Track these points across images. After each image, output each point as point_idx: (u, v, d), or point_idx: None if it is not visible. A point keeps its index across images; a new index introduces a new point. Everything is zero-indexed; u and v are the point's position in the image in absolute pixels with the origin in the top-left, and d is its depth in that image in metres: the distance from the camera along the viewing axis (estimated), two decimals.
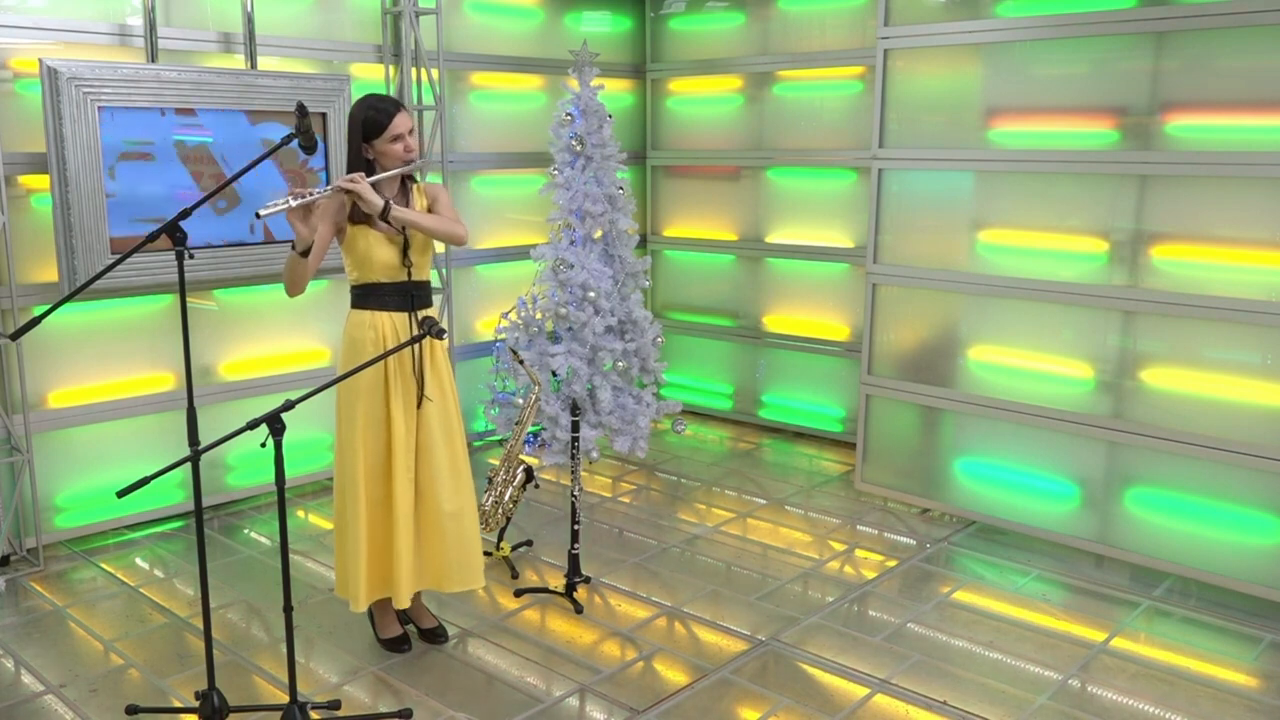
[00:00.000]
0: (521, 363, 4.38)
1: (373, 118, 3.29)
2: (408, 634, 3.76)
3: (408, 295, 3.42)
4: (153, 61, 4.53)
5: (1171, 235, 4.34)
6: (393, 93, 5.53)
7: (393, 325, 3.41)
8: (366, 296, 3.41)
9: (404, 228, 3.36)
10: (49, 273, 4.42)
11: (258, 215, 3.02)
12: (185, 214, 2.96)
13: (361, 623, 3.88)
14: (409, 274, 3.39)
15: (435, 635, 3.79)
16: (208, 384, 4.99)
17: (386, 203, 3.23)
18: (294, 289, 3.34)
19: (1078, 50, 4.49)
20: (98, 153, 4.29)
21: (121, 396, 4.71)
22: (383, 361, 3.36)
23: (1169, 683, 3.59)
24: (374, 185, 3.29)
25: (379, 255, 3.35)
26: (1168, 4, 4.21)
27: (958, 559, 4.65)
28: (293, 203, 3.06)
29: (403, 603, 3.52)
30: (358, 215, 3.34)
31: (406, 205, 3.43)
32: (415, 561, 3.55)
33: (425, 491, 3.51)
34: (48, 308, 2.94)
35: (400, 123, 3.31)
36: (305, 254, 3.22)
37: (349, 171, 3.32)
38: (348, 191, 3.20)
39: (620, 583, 4.34)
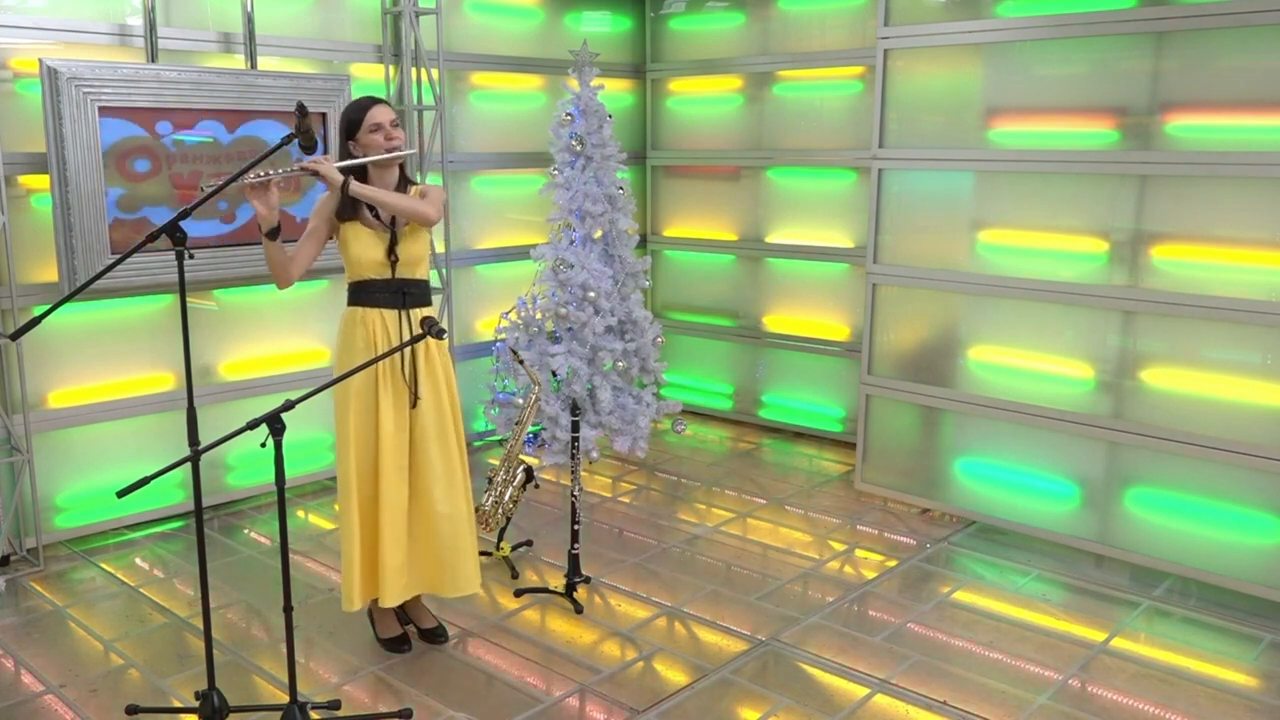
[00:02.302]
0: (521, 363, 4.38)
1: (351, 115, 3.37)
2: (408, 634, 3.76)
3: (399, 293, 3.42)
4: (153, 61, 4.53)
5: (1171, 235, 4.34)
6: (392, 92, 5.53)
7: (383, 323, 3.42)
8: (358, 293, 3.44)
9: (392, 223, 3.39)
10: (49, 273, 4.42)
11: (201, 189, 3.04)
12: (185, 214, 2.96)
13: (361, 623, 3.88)
14: (393, 270, 3.40)
15: (435, 635, 3.79)
16: (208, 384, 4.99)
17: (345, 180, 3.23)
18: (278, 278, 3.37)
19: (1078, 50, 4.49)
20: (98, 153, 4.29)
21: (121, 396, 4.71)
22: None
23: (1169, 683, 3.59)
24: (364, 177, 3.35)
25: (367, 251, 3.37)
26: (1168, 4, 4.21)
27: (958, 559, 4.65)
28: (248, 178, 3.07)
29: (387, 602, 3.53)
30: (345, 212, 3.37)
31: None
32: (407, 563, 3.55)
33: (418, 492, 3.52)
34: (48, 308, 2.93)
35: (376, 113, 3.35)
36: (272, 236, 3.23)
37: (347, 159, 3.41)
38: (312, 173, 3.22)
39: (620, 583, 4.34)
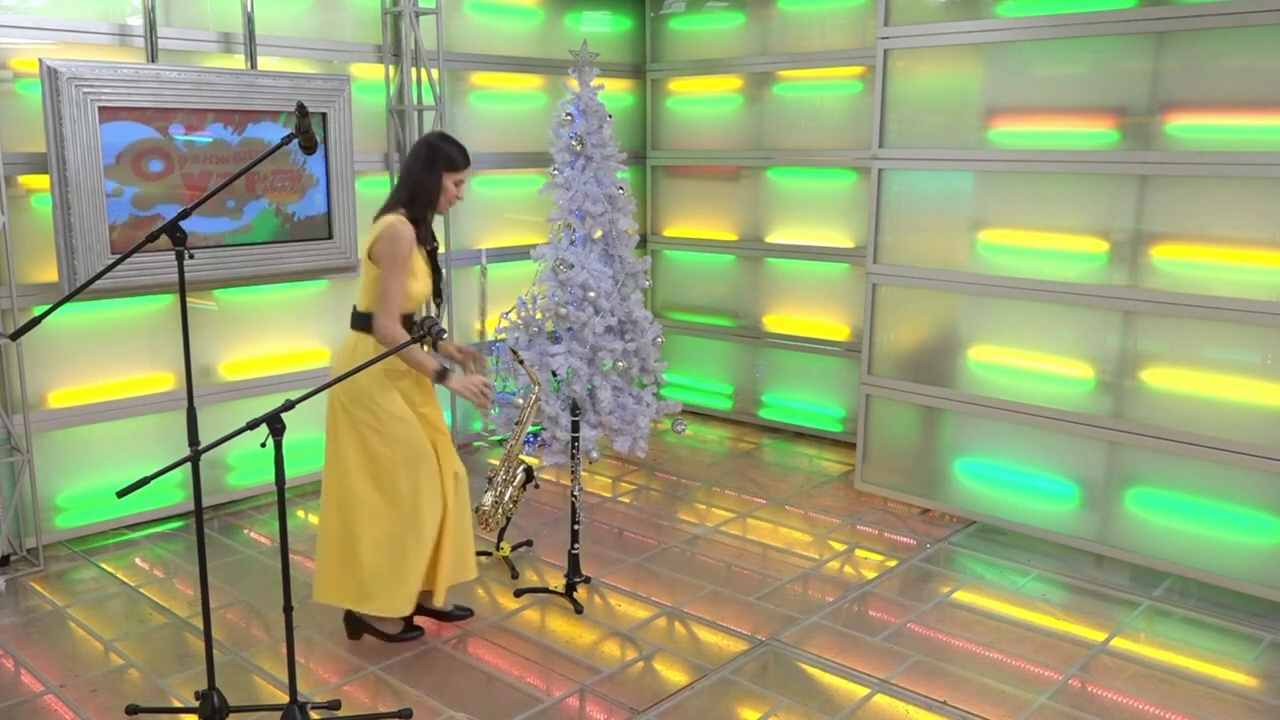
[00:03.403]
0: (521, 363, 4.37)
1: (458, 156, 3.49)
2: (413, 620, 3.83)
3: (415, 324, 3.57)
4: (153, 61, 4.53)
5: (1171, 235, 4.34)
6: (392, 93, 5.53)
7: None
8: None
9: (433, 256, 3.55)
10: (49, 273, 4.42)
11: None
12: (185, 214, 2.96)
13: None
14: (436, 303, 3.66)
15: (460, 613, 3.92)
16: (208, 384, 4.99)
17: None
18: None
19: (1078, 50, 4.49)
20: (98, 153, 4.29)
21: (121, 396, 4.71)
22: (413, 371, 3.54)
23: (1169, 683, 3.59)
24: (425, 219, 3.49)
25: (424, 286, 3.52)
26: (1168, 4, 4.21)
27: (958, 559, 4.65)
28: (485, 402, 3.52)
29: (442, 600, 3.70)
30: (425, 240, 3.52)
31: (431, 231, 3.59)
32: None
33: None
34: (48, 308, 2.93)
35: (466, 172, 3.54)
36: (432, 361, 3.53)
37: (413, 191, 3.45)
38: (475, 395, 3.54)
39: (620, 583, 4.34)
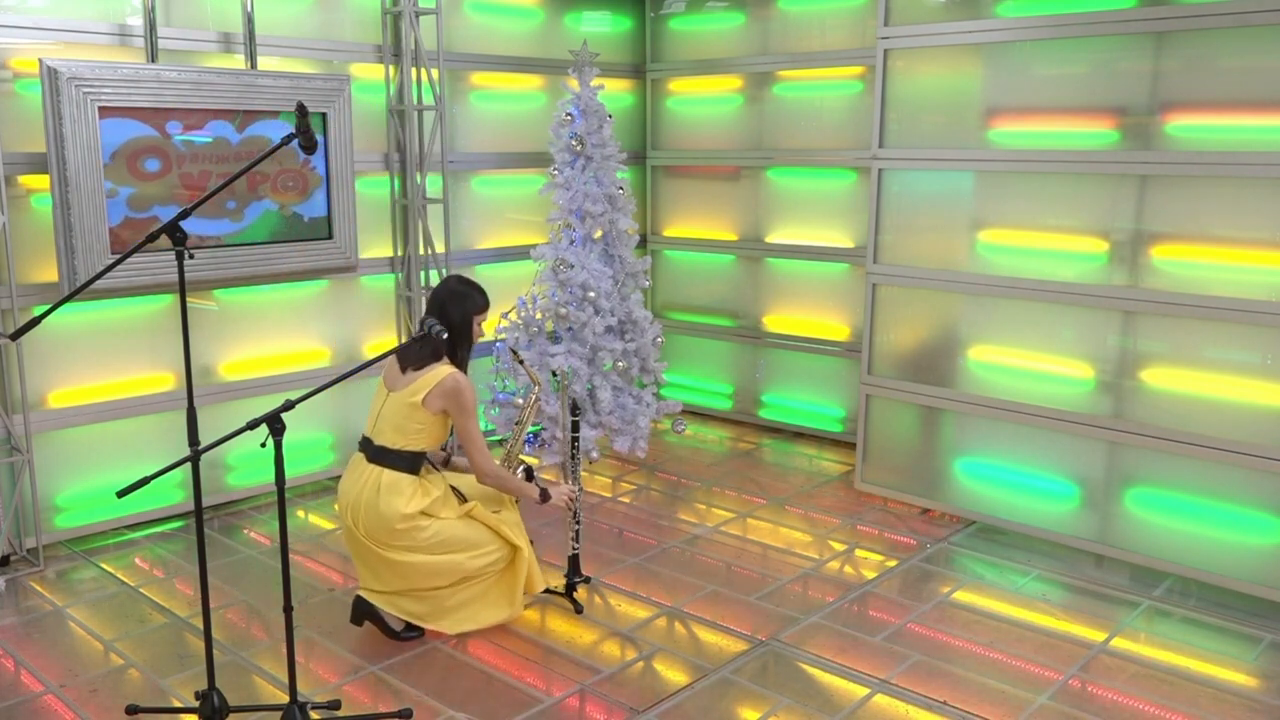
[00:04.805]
0: (521, 363, 4.38)
1: (482, 301, 3.74)
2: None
3: None
4: (153, 61, 4.53)
5: (1171, 235, 4.34)
6: (392, 93, 5.53)
7: None
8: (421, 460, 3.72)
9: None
10: (49, 273, 4.42)
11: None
12: (185, 214, 2.96)
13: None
14: None
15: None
16: (208, 384, 4.99)
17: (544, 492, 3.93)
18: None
19: (1078, 50, 4.49)
20: (97, 153, 4.29)
21: (121, 396, 4.71)
22: None
23: (1169, 683, 3.59)
24: (463, 352, 3.72)
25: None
26: (1168, 4, 4.21)
27: (958, 559, 4.65)
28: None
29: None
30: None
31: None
32: None
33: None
34: (48, 308, 2.94)
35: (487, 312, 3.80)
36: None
37: (454, 340, 3.65)
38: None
39: (620, 583, 4.34)
